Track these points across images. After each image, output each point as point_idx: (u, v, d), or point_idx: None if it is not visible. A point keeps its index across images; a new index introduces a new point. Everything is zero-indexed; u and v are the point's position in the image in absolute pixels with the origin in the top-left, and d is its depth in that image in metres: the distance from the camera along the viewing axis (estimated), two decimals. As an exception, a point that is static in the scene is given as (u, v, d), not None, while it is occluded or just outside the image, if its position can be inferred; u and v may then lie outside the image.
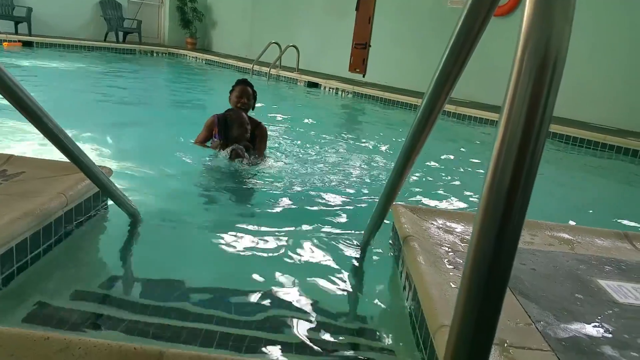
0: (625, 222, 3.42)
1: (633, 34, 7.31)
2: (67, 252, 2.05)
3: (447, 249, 2.02)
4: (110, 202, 2.43)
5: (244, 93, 3.90)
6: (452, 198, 3.64)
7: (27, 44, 11.93)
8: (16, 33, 12.63)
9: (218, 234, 2.54)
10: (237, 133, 3.73)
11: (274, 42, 11.25)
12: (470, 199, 3.59)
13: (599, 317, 1.58)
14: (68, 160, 1.85)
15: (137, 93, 7.73)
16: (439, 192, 3.76)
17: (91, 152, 3.60)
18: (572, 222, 2.48)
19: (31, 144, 3.53)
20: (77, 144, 1.82)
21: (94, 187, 2.22)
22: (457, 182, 4.14)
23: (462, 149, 5.88)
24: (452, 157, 5.19)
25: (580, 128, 6.85)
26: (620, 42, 7.40)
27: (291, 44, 11.03)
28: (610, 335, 1.48)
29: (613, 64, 7.48)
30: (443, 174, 4.29)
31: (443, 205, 3.44)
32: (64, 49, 12.37)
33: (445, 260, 1.90)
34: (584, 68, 7.41)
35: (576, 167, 5.78)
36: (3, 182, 2.10)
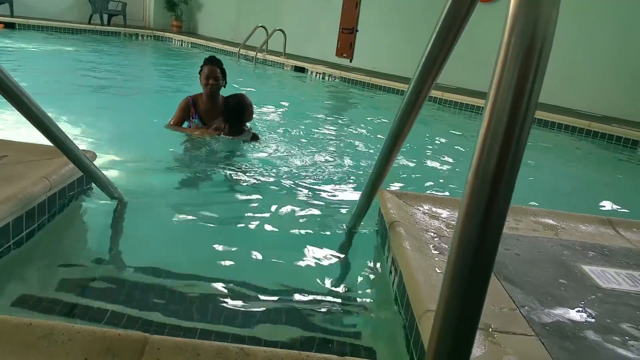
0: (608, 207, 3.47)
1: (618, 20, 7.34)
2: (51, 237, 2.03)
3: (432, 234, 2.03)
4: (94, 186, 2.40)
5: (211, 73, 3.77)
6: (438, 184, 3.66)
7: (9, 26, 11.69)
8: (-3, 14, 12.36)
9: (202, 217, 2.53)
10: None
11: (260, 26, 11.13)
12: (456, 184, 3.60)
13: (583, 302, 1.60)
14: (51, 144, 1.82)
15: (122, 76, 7.62)
16: (425, 177, 3.78)
17: (75, 136, 3.54)
18: (556, 208, 2.51)
19: (14, 127, 3.47)
20: (61, 127, 1.79)
21: (77, 171, 2.19)
22: (443, 168, 4.16)
23: (448, 135, 5.90)
24: (438, 143, 5.21)
25: (565, 114, 6.90)
26: (606, 29, 7.44)
27: (278, 28, 10.92)
28: (593, 320, 1.50)
29: (599, 50, 7.52)
30: (429, 160, 4.31)
31: (429, 191, 3.46)
32: (47, 31, 12.14)
33: (431, 245, 1.91)
34: (569, 54, 7.44)
35: (561, 153, 5.83)
36: (-16, 167, 2.07)
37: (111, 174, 2.81)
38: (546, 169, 4.70)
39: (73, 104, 4.81)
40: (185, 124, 3.92)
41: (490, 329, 1.37)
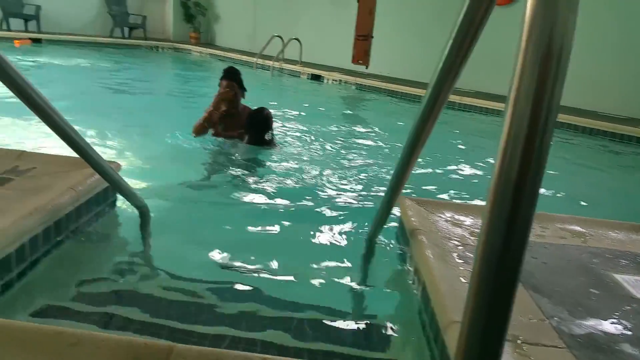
0: (637, 213, 3.39)
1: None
2: (78, 247, 2.07)
3: (456, 242, 2.01)
4: (119, 196, 2.44)
5: (228, 89, 3.87)
6: (460, 190, 3.62)
7: (36, 41, 11.99)
8: (26, 30, 12.71)
9: (225, 226, 2.56)
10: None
11: (276, 36, 11.22)
12: (478, 191, 3.57)
13: (617, 313, 1.54)
14: (78, 156, 1.86)
15: (143, 88, 7.75)
16: (446, 184, 3.75)
17: (100, 147, 3.61)
18: (584, 215, 2.46)
19: (41, 140, 3.55)
20: (86, 139, 1.83)
21: (103, 182, 2.23)
22: (465, 174, 4.12)
23: (468, 140, 5.85)
24: (458, 148, 5.17)
25: (590, 117, 6.78)
26: (629, 30, 7.31)
27: (294, 37, 10.99)
28: (629, 332, 1.44)
29: (621, 51, 7.39)
30: (450, 166, 4.27)
31: (451, 197, 3.43)
32: (71, 45, 12.42)
33: (455, 254, 1.89)
34: (591, 56, 7.32)
35: (587, 157, 5.73)
36: (15, 178, 2.12)
37: (135, 184, 2.86)
38: (572, 174, 4.62)
39: (97, 116, 4.90)
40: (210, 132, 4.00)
41: (518, 341, 1.34)
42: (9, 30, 12.28)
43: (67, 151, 1.93)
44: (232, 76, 3.90)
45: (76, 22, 14.10)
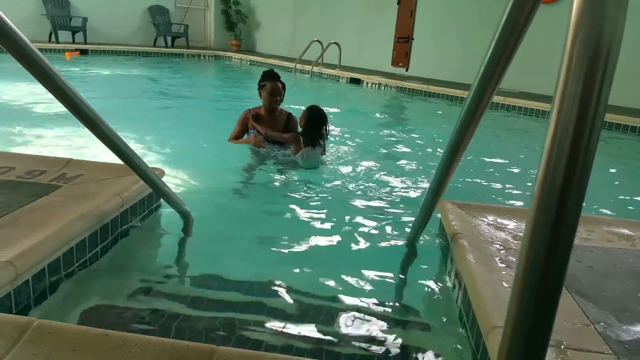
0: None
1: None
2: (123, 251, 2.13)
3: (498, 246, 1.97)
4: (162, 202, 2.51)
5: (276, 90, 3.80)
6: (503, 193, 3.54)
7: (83, 52, 12.48)
8: (73, 42, 13.24)
9: (268, 231, 2.58)
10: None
11: (316, 40, 11.28)
12: (522, 194, 3.48)
13: (667, 319, 1.49)
14: (123, 163, 1.92)
15: (186, 96, 7.93)
16: (489, 187, 3.68)
17: (144, 154, 3.72)
18: (631, 217, 2.36)
19: (89, 148, 3.69)
20: (131, 146, 1.89)
21: (147, 188, 2.30)
22: (508, 177, 4.03)
23: (511, 142, 5.72)
24: (501, 150, 5.06)
25: (635, 115, 6.52)
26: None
27: (333, 41, 11.02)
28: (680, 339, 1.39)
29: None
30: (492, 169, 4.19)
31: (493, 201, 3.36)
32: (116, 55, 12.86)
33: (497, 258, 1.85)
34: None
35: (636, 157, 5.51)
36: (63, 185, 2.21)
37: (178, 189, 2.93)
38: (620, 175, 4.45)
39: (141, 124, 5.05)
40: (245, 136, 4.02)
41: (562, 346, 1.30)
42: (57, 42, 12.81)
43: (113, 158, 1.99)
44: (278, 78, 3.87)
45: (121, 32, 14.59)
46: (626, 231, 2.22)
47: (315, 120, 3.76)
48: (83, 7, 13.72)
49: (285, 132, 3.92)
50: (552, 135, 0.72)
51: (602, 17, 0.68)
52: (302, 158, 3.69)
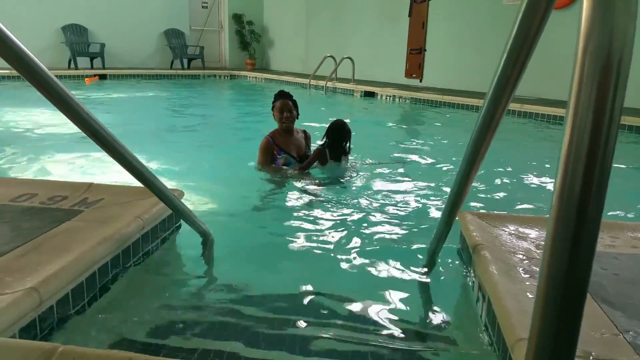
0: None
1: None
2: (145, 274, 2.15)
3: (521, 256, 1.94)
4: (183, 222, 2.53)
5: (284, 107, 3.79)
6: (523, 202, 3.50)
7: (102, 77, 12.76)
8: (92, 67, 13.56)
9: (288, 249, 2.58)
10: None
11: (329, 56, 11.36)
12: (542, 202, 3.43)
13: (695, 325, 1.46)
14: (142, 185, 1.95)
15: (203, 116, 8.03)
16: (508, 196, 3.63)
17: (163, 175, 3.76)
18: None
19: (110, 171, 3.75)
20: (150, 168, 1.92)
21: (167, 210, 2.32)
22: (527, 185, 3.98)
23: (529, 149, 5.66)
24: (519, 158, 5.00)
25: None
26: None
27: (346, 56, 11.09)
28: None
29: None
30: (512, 177, 4.14)
31: (513, 210, 3.32)
32: (134, 79, 13.13)
33: (520, 268, 1.83)
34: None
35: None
36: (85, 209, 2.24)
37: (198, 210, 2.96)
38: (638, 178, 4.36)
39: (159, 145, 5.13)
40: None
41: (591, 357, 1.27)
42: (76, 68, 13.12)
43: (133, 181, 2.02)
44: (287, 96, 3.87)
45: (138, 56, 14.90)
46: (652, 236, 2.17)
47: (340, 132, 3.81)
48: (101, 33, 14.07)
49: (307, 149, 3.96)
50: (568, 144, 0.72)
51: (611, 27, 0.68)
52: (327, 172, 3.77)
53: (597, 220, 0.73)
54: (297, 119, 3.95)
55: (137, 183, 1.95)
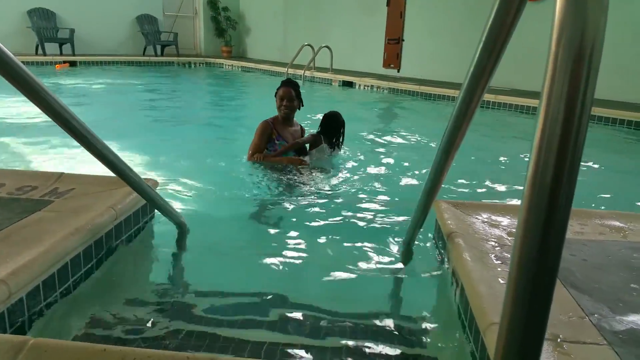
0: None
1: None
2: (119, 264, 2.12)
3: (493, 243, 1.98)
4: (158, 213, 2.50)
5: (286, 95, 3.73)
6: (497, 191, 3.56)
7: (72, 64, 12.45)
8: (61, 54, 13.19)
9: (264, 240, 2.58)
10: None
11: (307, 44, 11.31)
12: (515, 190, 3.50)
13: (659, 308, 1.51)
14: (115, 175, 1.91)
15: (177, 105, 7.93)
16: (483, 185, 3.69)
17: (137, 165, 3.71)
18: (622, 209, 2.38)
19: (81, 161, 3.68)
20: (123, 158, 1.88)
21: (141, 200, 2.29)
22: (501, 174, 4.05)
23: (503, 139, 5.75)
24: (493, 148, 5.08)
25: (626, 109, 6.57)
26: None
27: (324, 45, 11.05)
28: (672, 327, 1.41)
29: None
30: (486, 167, 4.21)
31: (487, 198, 3.37)
32: (106, 66, 12.84)
33: (492, 255, 1.86)
34: (627, 46, 7.10)
35: (624, 151, 5.55)
36: (55, 200, 2.20)
37: (173, 200, 2.92)
38: (610, 168, 4.48)
39: (133, 134, 5.04)
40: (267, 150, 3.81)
41: (558, 339, 1.31)
42: (44, 54, 12.77)
43: (105, 171, 1.99)
44: (291, 84, 3.80)
45: (109, 42, 14.56)
46: (617, 223, 2.23)
47: (334, 122, 3.94)
48: (70, 18, 13.70)
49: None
50: (541, 134, 0.73)
51: (584, 19, 0.69)
52: (316, 154, 3.83)
53: (567, 208, 0.75)
54: (299, 109, 3.87)
55: (109, 173, 1.92)
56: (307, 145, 3.91)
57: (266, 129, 3.74)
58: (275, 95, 3.81)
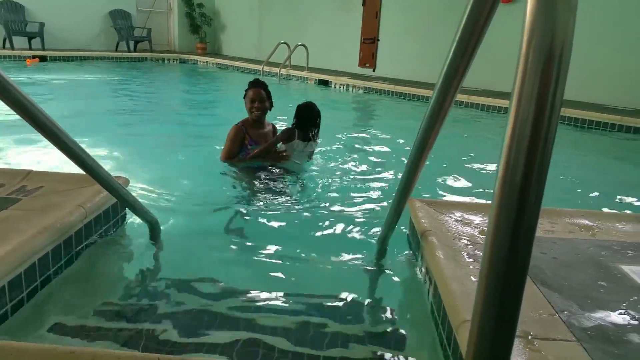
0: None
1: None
2: (89, 264, 2.08)
3: (466, 241, 2.01)
4: (129, 211, 2.45)
5: (256, 96, 3.56)
6: (470, 190, 3.61)
7: (42, 59, 12.14)
8: (30, 48, 12.85)
9: (236, 239, 2.56)
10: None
11: (282, 42, 11.27)
12: (488, 189, 3.55)
13: (625, 304, 1.56)
14: (85, 173, 1.87)
15: (150, 101, 7.81)
16: (456, 184, 3.74)
17: (107, 163, 3.64)
18: (591, 208, 2.44)
19: (50, 158, 3.59)
20: (93, 155, 1.84)
21: (112, 198, 2.25)
22: (474, 173, 4.11)
23: (476, 139, 5.83)
24: (466, 147, 5.15)
25: (595, 110, 6.74)
26: (632, 21, 7.25)
27: (300, 43, 11.04)
28: (637, 322, 1.45)
29: (626, 43, 7.33)
30: (459, 166, 4.26)
31: (460, 197, 3.41)
32: (77, 61, 12.57)
33: (465, 253, 1.89)
34: (596, 49, 7.28)
35: (593, 151, 5.69)
36: (23, 198, 2.14)
37: (145, 198, 2.88)
38: (579, 167, 4.59)
39: (104, 131, 4.95)
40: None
41: (529, 336, 1.34)
42: (12, 48, 12.42)
43: (75, 169, 1.94)
44: (260, 85, 3.65)
45: (81, 37, 14.26)
46: (586, 222, 2.29)
47: (309, 113, 3.71)
48: (39, 12, 13.36)
49: None
50: (511, 133, 0.74)
51: (554, 21, 0.71)
52: (291, 152, 3.65)
53: (537, 206, 0.76)
54: (270, 110, 3.71)
55: (79, 170, 1.88)
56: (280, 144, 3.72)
57: (238, 134, 3.58)
58: (245, 97, 3.63)
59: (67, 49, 13.46)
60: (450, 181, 3.78)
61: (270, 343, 1.61)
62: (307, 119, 3.70)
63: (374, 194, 3.35)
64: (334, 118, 6.82)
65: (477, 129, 6.62)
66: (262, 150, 3.59)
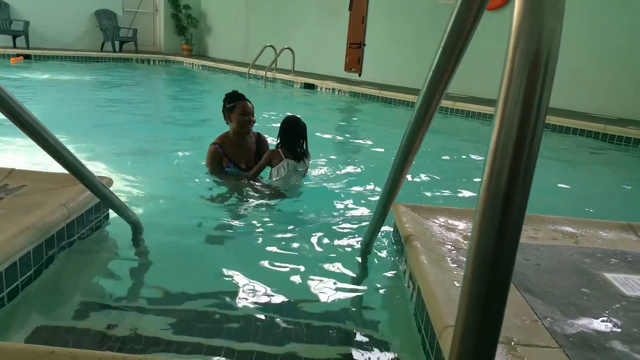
0: (628, 212, 3.41)
1: (628, 19, 7.28)
2: (70, 264, 2.05)
3: (449, 247, 2.02)
4: (112, 211, 2.43)
5: (249, 109, 3.35)
6: (453, 195, 3.63)
7: (25, 57, 11.97)
8: (14, 47, 12.66)
9: (219, 241, 2.55)
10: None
11: (269, 45, 11.26)
12: (472, 195, 3.58)
13: (607, 312, 1.57)
14: (68, 172, 1.85)
15: (135, 102, 7.74)
16: (440, 189, 3.76)
17: (91, 163, 3.59)
18: (575, 215, 2.47)
19: (31, 157, 3.54)
20: (77, 155, 1.82)
21: (95, 198, 2.22)
22: (458, 179, 4.13)
23: (461, 145, 5.87)
24: (451, 153, 5.18)
25: (579, 119, 6.83)
26: (616, 30, 7.38)
27: (286, 47, 11.03)
28: (619, 330, 1.47)
29: (609, 51, 7.46)
30: (443, 172, 4.28)
31: (445, 203, 3.43)
32: (61, 61, 12.41)
33: (449, 258, 1.89)
34: (580, 57, 7.39)
35: (576, 158, 5.76)
36: (5, 197, 2.10)
37: (128, 199, 2.85)
38: (562, 175, 4.64)
39: (89, 132, 4.89)
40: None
41: (512, 343, 1.35)
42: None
43: (57, 168, 1.92)
44: (244, 97, 3.41)
45: (66, 37, 14.09)
46: (570, 229, 2.31)
47: (294, 128, 3.38)
48: (24, 10, 13.18)
49: (258, 154, 3.51)
50: (496, 138, 0.75)
51: (540, 27, 0.71)
52: (283, 173, 3.30)
53: (522, 212, 0.76)
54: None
55: (62, 170, 1.85)
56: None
57: (215, 157, 3.39)
58: (231, 110, 3.36)
59: (52, 48, 13.28)
60: (434, 186, 3.80)
61: (246, 348, 1.60)
62: (294, 136, 3.38)
63: (358, 198, 3.35)
64: (319, 121, 6.82)
65: (462, 135, 6.67)
66: (251, 177, 3.38)
